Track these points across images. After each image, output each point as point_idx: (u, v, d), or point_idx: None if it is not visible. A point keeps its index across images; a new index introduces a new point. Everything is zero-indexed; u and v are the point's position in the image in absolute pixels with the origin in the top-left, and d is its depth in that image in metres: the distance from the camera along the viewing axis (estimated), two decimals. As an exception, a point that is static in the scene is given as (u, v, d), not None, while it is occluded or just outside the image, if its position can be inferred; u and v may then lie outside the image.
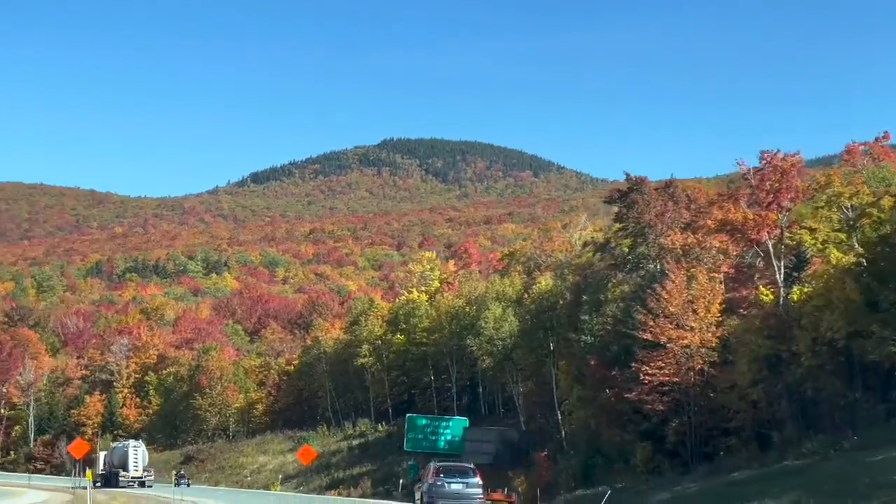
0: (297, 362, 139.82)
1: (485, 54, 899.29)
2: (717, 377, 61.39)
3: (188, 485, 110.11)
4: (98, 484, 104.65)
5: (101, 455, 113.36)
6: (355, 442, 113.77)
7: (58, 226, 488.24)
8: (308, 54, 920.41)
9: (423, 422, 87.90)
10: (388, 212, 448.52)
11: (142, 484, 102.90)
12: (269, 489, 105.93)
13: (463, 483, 49.00)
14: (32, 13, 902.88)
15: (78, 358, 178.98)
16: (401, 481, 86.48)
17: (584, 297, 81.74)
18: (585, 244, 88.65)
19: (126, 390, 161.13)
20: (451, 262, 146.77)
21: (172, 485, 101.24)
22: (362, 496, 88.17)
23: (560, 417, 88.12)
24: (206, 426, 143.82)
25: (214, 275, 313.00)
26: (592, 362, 72.34)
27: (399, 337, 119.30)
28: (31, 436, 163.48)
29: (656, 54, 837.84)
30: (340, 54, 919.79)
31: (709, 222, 65.31)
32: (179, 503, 63.53)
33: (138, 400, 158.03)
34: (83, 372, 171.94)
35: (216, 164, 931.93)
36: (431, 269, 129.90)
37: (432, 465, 51.36)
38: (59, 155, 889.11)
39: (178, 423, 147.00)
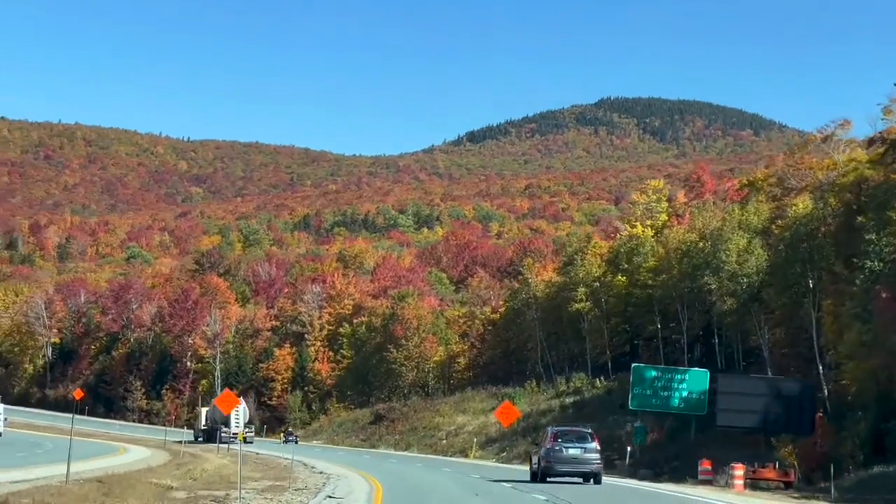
0: (503, 310, 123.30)
1: (702, 12, 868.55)
2: None
3: (296, 442, 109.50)
4: (200, 439, 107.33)
5: (203, 411, 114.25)
6: (569, 400, 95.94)
7: (272, 184, 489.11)
8: (524, 15, 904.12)
9: (653, 374, 69.79)
10: (605, 169, 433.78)
11: (244, 440, 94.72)
12: (467, 456, 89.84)
13: (581, 448, 47.56)
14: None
15: (268, 308, 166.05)
16: (628, 449, 68.39)
17: (860, 219, 63.20)
18: (872, 142, 69.33)
19: (318, 343, 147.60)
20: (682, 192, 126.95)
21: (281, 442, 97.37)
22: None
23: (822, 371, 70.10)
24: (402, 382, 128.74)
25: (426, 229, 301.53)
26: (883, 295, 53.74)
27: (620, 278, 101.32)
28: (218, 391, 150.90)
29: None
30: (557, 13, 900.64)
31: None
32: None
33: (331, 353, 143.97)
34: (273, 323, 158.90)
35: (432, 124, 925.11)
36: (658, 201, 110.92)
37: (550, 430, 50.41)
38: (275, 114, 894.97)
39: (371, 379, 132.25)
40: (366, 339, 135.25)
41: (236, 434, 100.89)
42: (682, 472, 60.32)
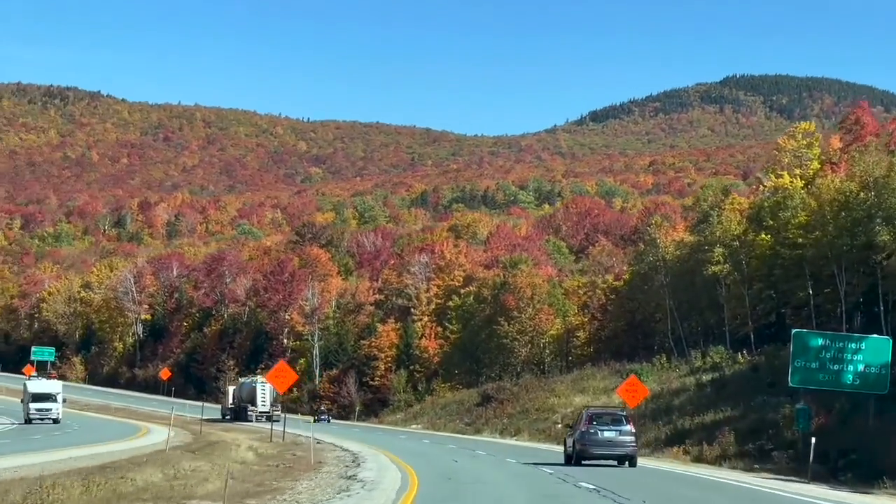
0: (627, 276, 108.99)
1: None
2: None
3: (328, 421, 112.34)
4: (228, 417, 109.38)
5: (231, 390, 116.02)
6: (706, 377, 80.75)
7: (392, 163, 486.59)
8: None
9: (819, 342, 54.51)
10: (732, 145, 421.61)
11: (269, 418, 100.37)
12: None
13: (616, 431, 47.45)
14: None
15: (372, 280, 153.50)
16: (812, 440, 50.92)
17: None
18: None
19: (426, 318, 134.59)
20: (836, 136, 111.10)
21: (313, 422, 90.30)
22: (721, 457, 56.41)
23: None
24: (514, 359, 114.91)
25: (546, 205, 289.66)
26: None
27: (764, 236, 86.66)
28: (317, 371, 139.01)
29: None
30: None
31: None
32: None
33: (439, 329, 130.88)
34: (377, 296, 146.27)
35: (554, 103, 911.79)
36: (808, 147, 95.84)
37: (584, 413, 50.13)
38: (396, 94, 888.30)
39: (480, 356, 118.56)
40: (474, 311, 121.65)
41: (263, 412, 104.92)
42: (863, 468, 46.01)
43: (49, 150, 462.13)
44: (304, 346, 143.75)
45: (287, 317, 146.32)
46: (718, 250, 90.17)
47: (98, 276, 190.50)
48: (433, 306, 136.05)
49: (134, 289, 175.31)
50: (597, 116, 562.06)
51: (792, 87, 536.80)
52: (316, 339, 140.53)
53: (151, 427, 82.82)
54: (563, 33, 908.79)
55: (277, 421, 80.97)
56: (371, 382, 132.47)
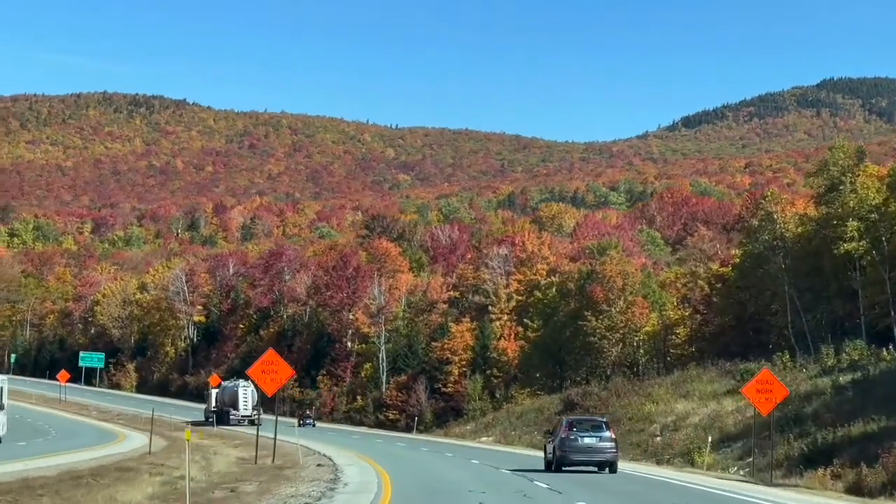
0: (737, 260, 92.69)
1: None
2: None
3: (314, 425, 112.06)
4: (211, 420, 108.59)
5: (213, 393, 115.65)
6: (844, 378, 64.30)
7: (482, 170, 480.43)
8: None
9: None
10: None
11: (251, 422, 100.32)
12: (693, 463, 60.37)
13: (595, 437, 47.32)
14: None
15: (445, 276, 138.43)
16: None
17: None
18: None
19: (505, 316, 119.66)
20: None
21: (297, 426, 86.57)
22: (891, 484, 40.49)
23: None
24: (603, 360, 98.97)
25: (639, 204, 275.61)
26: None
27: (907, 207, 71.28)
28: (383, 377, 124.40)
29: None
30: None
31: None
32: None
33: (520, 329, 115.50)
34: (450, 294, 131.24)
35: (646, 109, 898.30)
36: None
37: (564, 420, 50.20)
38: (484, 101, 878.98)
39: (564, 357, 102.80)
40: (557, 305, 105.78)
41: (245, 416, 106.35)
42: None
43: (134, 158, 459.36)
44: (369, 349, 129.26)
45: (351, 317, 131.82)
46: (852, 224, 74.31)
47: (154, 276, 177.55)
48: (513, 303, 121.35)
49: (185, 288, 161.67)
50: (689, 122, 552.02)
51: (892, 90, 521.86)
52: (382, 341, 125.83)
53: (132, 435, 78.26)
54: (654, 40, 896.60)
55: (260, 425, 69.79)
56: (443, 389, 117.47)
